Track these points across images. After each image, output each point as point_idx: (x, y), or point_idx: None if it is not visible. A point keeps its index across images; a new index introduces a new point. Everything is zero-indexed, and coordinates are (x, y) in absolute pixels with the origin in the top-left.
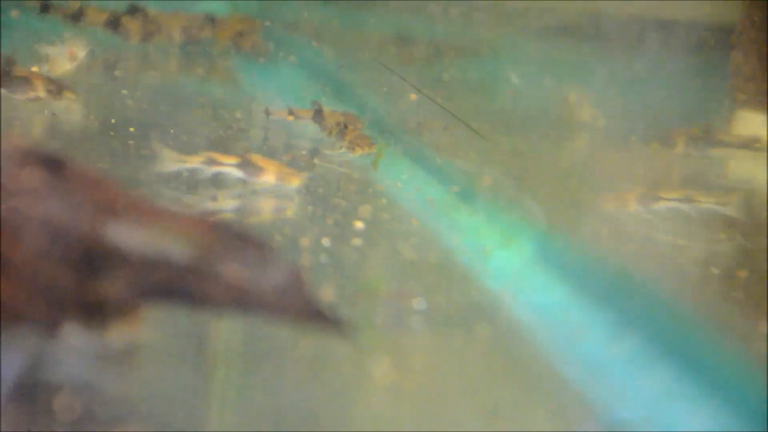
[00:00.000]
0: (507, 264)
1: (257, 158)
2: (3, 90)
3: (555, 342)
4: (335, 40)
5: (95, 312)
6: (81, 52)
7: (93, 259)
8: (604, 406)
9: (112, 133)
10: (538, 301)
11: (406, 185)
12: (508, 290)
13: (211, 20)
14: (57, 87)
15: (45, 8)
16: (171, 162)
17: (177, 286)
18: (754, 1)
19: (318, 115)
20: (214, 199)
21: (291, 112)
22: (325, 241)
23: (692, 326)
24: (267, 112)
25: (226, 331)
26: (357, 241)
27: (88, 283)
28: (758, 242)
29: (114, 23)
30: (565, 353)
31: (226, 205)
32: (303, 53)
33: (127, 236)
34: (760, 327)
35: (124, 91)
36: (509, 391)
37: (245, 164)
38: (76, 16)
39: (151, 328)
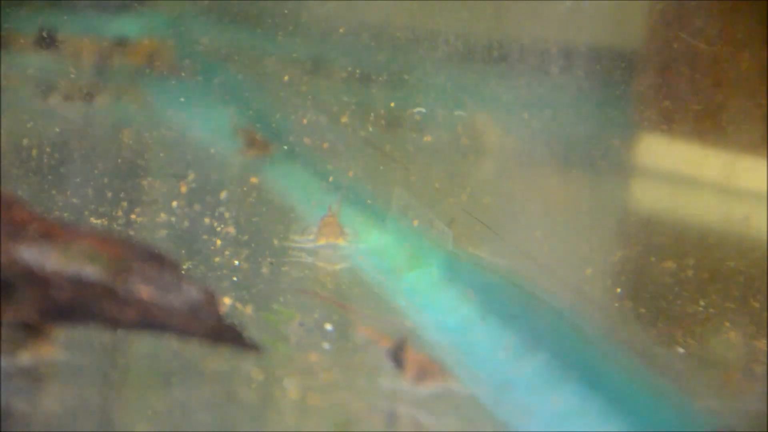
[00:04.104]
0: (416, 284)
1: None
2: None
3: (463, 360)
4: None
5: (6, 332)
6: None
7: (3, 280)
8: (511, 424)
9: (23, 155)
10: (446, 320)
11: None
12: (417, 310)
13: (122, 43)
14: None
15: None
16: None
17: (88, 306)
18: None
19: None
20: None
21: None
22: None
23: (597, 344)
24: None
25: (138, 350)
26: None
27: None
28: (659, 263)
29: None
30: (472, 371)
31: None
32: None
33: (38, 257)
34: (663, 345)
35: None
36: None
37: None
38: None
39: (63, 347)
